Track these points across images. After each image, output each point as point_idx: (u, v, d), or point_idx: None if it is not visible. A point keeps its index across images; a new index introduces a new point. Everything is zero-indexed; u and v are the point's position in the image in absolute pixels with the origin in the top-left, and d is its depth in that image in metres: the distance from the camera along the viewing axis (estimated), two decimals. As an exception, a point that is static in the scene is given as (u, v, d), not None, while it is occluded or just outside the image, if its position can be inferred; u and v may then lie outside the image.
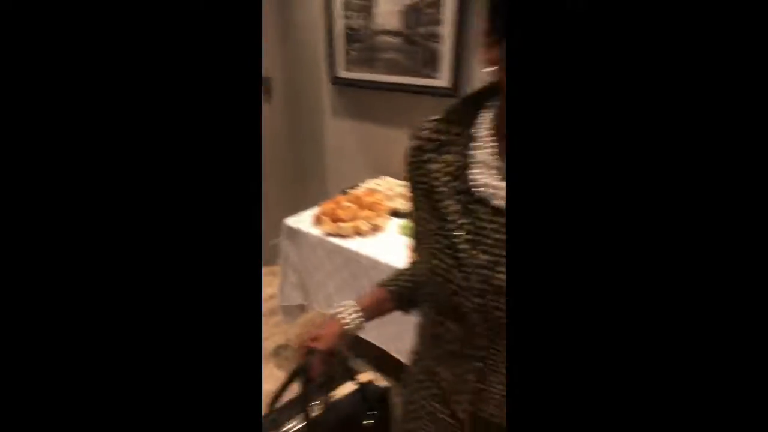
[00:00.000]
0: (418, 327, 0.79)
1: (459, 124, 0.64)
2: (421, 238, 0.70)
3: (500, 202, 0.60)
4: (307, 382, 0.82)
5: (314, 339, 0.80)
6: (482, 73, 0.59)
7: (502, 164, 0.60)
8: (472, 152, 0.62)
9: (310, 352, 0.80)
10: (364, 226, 1.56)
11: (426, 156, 0.65)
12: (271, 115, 2.54)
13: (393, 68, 2.04)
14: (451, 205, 0.62)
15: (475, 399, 0.67)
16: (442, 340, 0.68)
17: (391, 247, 1.54)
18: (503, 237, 0.59)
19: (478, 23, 1.77)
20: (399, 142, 1.81)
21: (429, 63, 1.92)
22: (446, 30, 1.82)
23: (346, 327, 0.80)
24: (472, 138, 0.63)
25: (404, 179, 0.72)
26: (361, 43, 2.15)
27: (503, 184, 0.60)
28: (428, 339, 0.73)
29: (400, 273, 0.86)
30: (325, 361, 0.81)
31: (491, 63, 0.56)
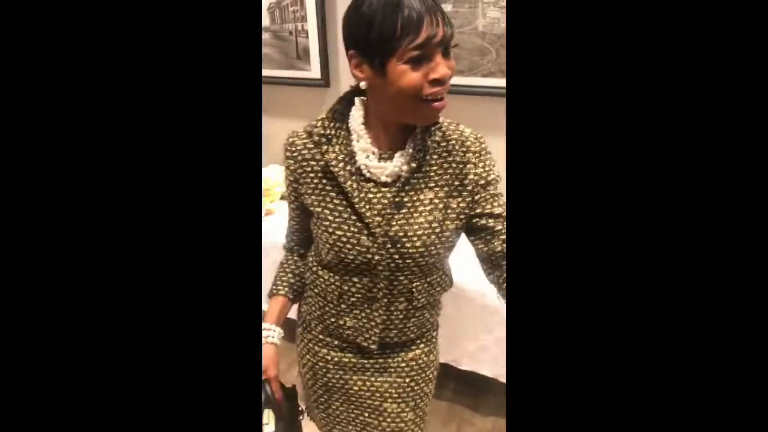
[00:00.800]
0: (307, 304, 0.94)
1: (340, 120, 0.80)
2: (316, 220, 0.82)
3: (385, 179, 0.78)
4: (278, 409, 0.91)
5: (264, 371, 0.89)
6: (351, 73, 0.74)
7: (377, 150, 0.78)
8: (354, 142, 0.78)
9: (266, 381, 0.90)
10: (256, 212, 1.70)
11: (323, 147, 0.79)
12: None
13: (267, 63, 2.15)
14: (352, 184, 0.77)
15: (383, 328, 0.86)
16: (348, 295, 0.85)
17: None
18: (388, 202, 0.77)
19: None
20: (282, 132, 1.95)
21: (300, 57, 2.07)
22: (311, 26, 1.98)
23: (277, 344, 0.92)
24: (350, 131, 0.79)
25: (291, 169, 0.84)
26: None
27: (383, 164, 0.78)
28: (328, 303, 0.88)
29: (285, 274, 0.96)
30: (280, 384, 0.93)
31: (355, 72, 0.73)
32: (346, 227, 0.79)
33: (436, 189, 0.79)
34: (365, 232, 0.78)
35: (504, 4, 1.66)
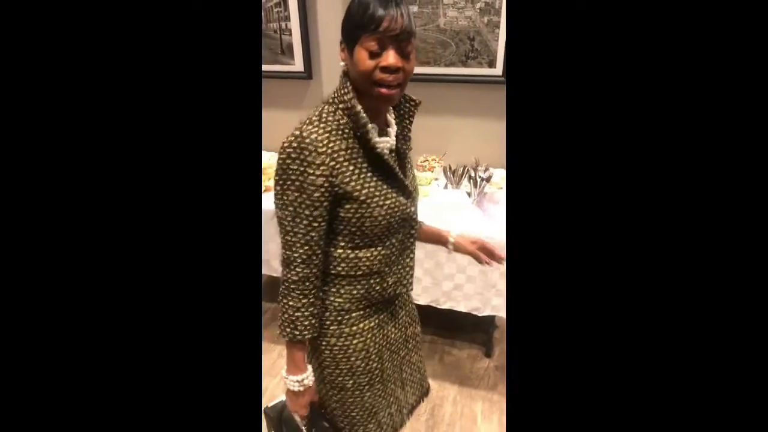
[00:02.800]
0: (341, 297, 0.96)
1: (352, 109, 0.84)
2: (360, 202, 0.86)
3: (387, 149, 0.90)
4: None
5: (303, 408, 0.97)
6: (337, 62, 0.88)
7: (376, 127, 0.89)
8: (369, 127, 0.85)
9: (300, 418, 0.98)
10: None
11: (342, 134, 0.84)
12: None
13: (253, 58, 2.39)
14: (387, 158, 0.88)
15: (397, 282, 1.00)
16: (390, 256, 0.95)
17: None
18: (396, 176, 0.90)
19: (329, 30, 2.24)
20: (271, 122, 2.20)
21: (284, 52, 2.33)
22: (293, 24, 2.25)
23: (311, 387, 0.96)
24: (350, 115, 0.85)
25: (305, 177, 0.81)
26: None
27: (384, 138, 0.90)
28: (373, 275, 0.95)
29: (305, 318, 0.90)
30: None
31: (341, 56, 0.86)
32: (393, 194, 0.90)
33: (409, 152, 1.01)
34: (402, 193, 0.93)
35: (462, 5, 2.00)
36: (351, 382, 1.01)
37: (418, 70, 2.15)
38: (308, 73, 2.34)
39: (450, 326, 2.20)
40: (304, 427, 0.99)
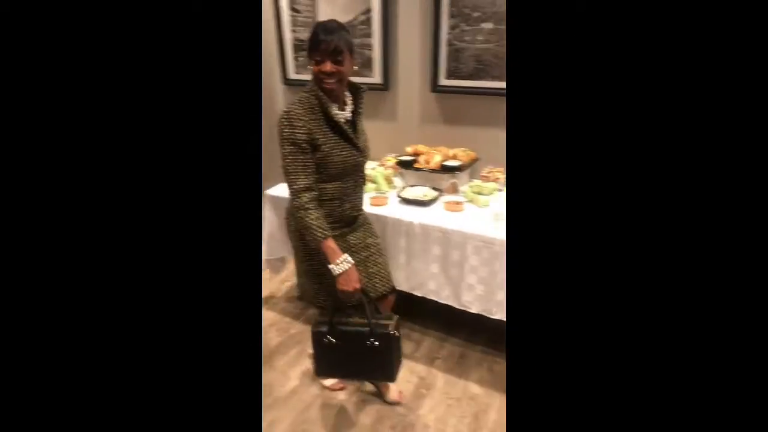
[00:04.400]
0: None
1: (312, 95, 1.43)
2: (326, 153, 1.41)
3: (344, 119, 1.46)
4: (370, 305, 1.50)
5: (356, 281, 1.44)
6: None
7: (337, 107, 1.47)
8: (328, 104, 1.42)
9: (350, 293, 1.45)
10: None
11: (313, 111, 1.41)
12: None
13: (337, 71, 2.62)
14: (342, 126, 1.44)
15: (351, 207, 1.57)
16: (346, 190, 1.52)
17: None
18: (353, 137, 1.48)
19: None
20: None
21: (365, 65, 2.52)
22: (375, 41, 2.44)
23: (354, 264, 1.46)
24: (319, 99, 1.41)
25: (305, 126, 1.38)
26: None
27: (341, 113, 1.47)
28: (334, 200, 1.51)
29: (319, 220, 1.42)
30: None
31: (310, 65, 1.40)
32: (347, 148, 1.46)
33: (362, 122, 1.55)
34: (353, 147, 1.48)
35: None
36: (319, 268, 1.50)
37: (488, 84, 2.21)
38: (385, 85, 2.51)
39: (501, 338, 2.19)
40: (360, 298, 1.44)
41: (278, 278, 2.75)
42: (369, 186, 2.14)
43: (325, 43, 1.31)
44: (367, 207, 1.94)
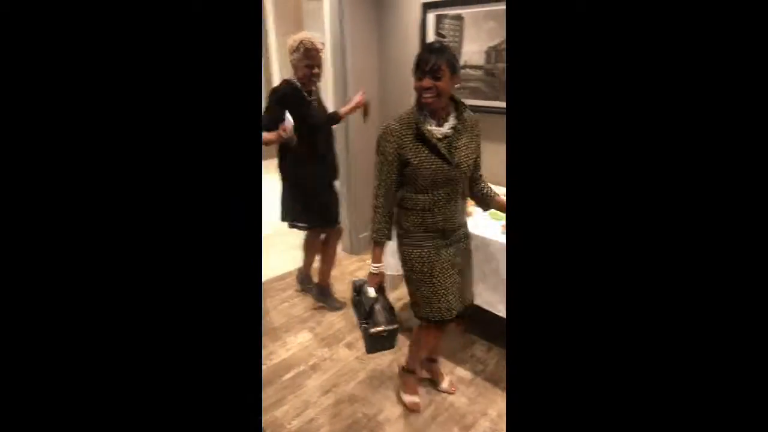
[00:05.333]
0: (407, 221, 1.64)
1: (411, 112, 1.55)
2: (415, 166, 1.53)
3: (440, 135, 1.54)
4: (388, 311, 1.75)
5: (375, 284, 1.70)
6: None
7: (435, 122, 1.56)
8: (427, 122, 1.53)
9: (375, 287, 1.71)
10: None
11: (410, 126, 1.53)
12: (367, 129, 3.16)
13: (477, 94, 2.60)
14: (433, 140, 1.52)
15: (456, 216, 1.65)
16: (438, 202, 1.59)
17: (481, 224, 2.08)
18: (447, 146, 1.54)
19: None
20: (490, 154, 2.33)
21: (504, 90, 2.46)
22: (520, 65, 2.36)
23: (383, 273, 1.71)
24: (423, 118, 1.54)
25: (396, 141, 1.53)
26: (448, 74, 2.74)
27: (438, 128, 1.54)
28: (426, 211, 1.60)
29: (382, 224, 1.62)
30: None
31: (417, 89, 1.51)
32: (438, 162, 1.53)
33: (464, 139, 1.58)
34: (445, 162, 1.54)
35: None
36: (413, 275, 1.70)
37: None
38: (526, 111, 2.41)
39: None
40: (371, 294, 1.69)
41: (394, 294, 2.80)
42: (497, 214, 2.07)
43: (426, 61, 1.43)
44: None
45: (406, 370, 2.01)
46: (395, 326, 1.71)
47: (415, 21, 2.82)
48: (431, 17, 2.74)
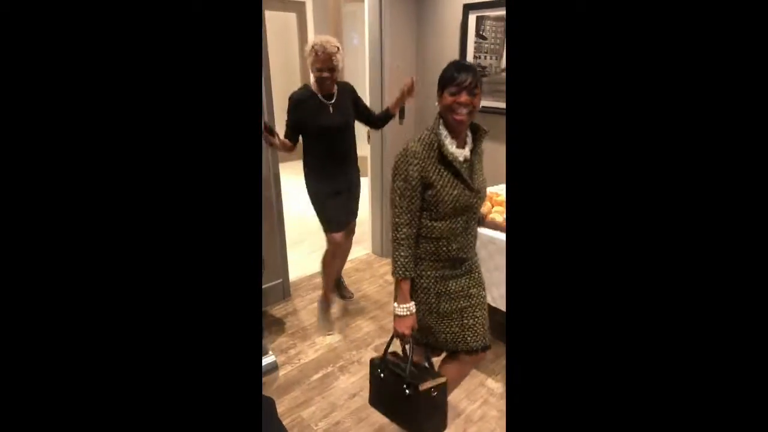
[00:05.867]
0: (421, 249, 1.47)
1: (433, 133, 1.43)
2: (437, 190, 1.39)
3: (461, 159, 1.43)
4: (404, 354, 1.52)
5: (408, 329, 1.46)
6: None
7: (456, 143, 1.44)
8: (445, 141, 1.41)
9: (402, 337, 1.47)
10: (498, 217, 2.05)
11: (432, 149, 1.41)
12: (402, 133, 3.13)
13: (517, 98, 2.53)
14: (456, 164, 1.41)
15: (459, 248, 1.47)
16: (455, 230, 1.44)
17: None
18: (467, 171, 1.43)
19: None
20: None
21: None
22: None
23: (413, 315, 1.48)
24: (438, 136, 1.42)
25: (419, 165, 1.38)
26: (488, 77, 2.68)
27: (459, 150, 1.43)
28: (441, 239, 1.44)
29: (408, 260, 1.43)
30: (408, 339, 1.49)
31: (438, 98, 1.43)
32: (460, 188, 1.42)
33: (480, 163, 1.51)
34: (467, 188, 1.43)
35: None
36: (419, 306, 1.50)
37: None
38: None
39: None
40: (406, 345, 1.45)
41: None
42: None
43: (464, 78, 1.37)
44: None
45: None
46: (443, 379, 1.47)
47: (456, 22, 2.78)
48: (472, 18, 2.69)
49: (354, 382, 2.15)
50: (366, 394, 2.07)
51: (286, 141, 2.26)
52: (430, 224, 1.45)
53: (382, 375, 1.50)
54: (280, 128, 2.28)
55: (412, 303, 1.46)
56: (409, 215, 1.41)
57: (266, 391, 1.26)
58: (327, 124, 2.24)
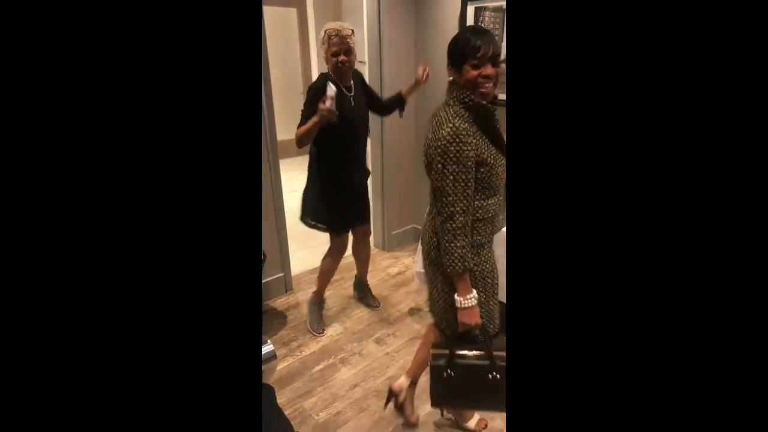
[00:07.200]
0: (476, 240, 1.38)
1: (473, 107, 1.31)
2: (489, 166, 1.30)
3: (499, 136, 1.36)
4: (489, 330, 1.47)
5: (478, 317, 1.38)
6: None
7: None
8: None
9: (470, 328, 1.40)
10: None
11: (476, 124, 1.31)
12: (401, 122, 3.13)
13: (516, 88, 2.52)
14: (499, 141, 1.35)
15: (502, 220, 1.44)
16: (500, 204, 1.40)
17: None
18: (504, 145, 1.35)
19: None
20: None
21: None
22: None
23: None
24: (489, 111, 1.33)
25: (473, 142, 1.27)
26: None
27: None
28: (494, 216, 1.39)
29: (465, 251, 1.32)
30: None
31: (448, 73, 1.35)
32: (503, 156, 1.34)
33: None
34: (504, 156, 1.35)
35: None
36: (483, 294, 1.42)
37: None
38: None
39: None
40: (479, 333, 1.42)
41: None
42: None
43: (485, 47, 1.24)
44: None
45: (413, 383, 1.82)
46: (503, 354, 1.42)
47: (454, 13, 2.76)
48: (471, 9, 2.67)
49: (355, 373, 2.17)
50: (367, 385, 2.09)
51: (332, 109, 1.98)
52: (485, 204, 1.35)
53: (452, 374, 1.44)
54: (280, 125, 2.28)
55: (475, 292, 1.36)
56: (465, 202, 1.29)
57: (264, 380, 1.26)
58: (347, 118, 2.09)
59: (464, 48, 1.26)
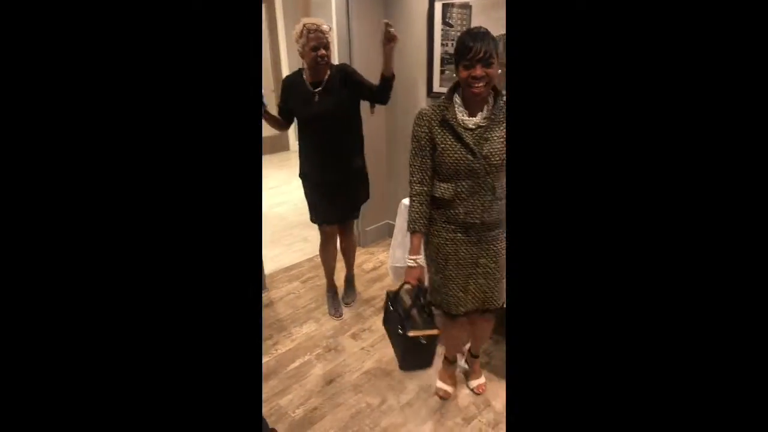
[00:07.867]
0: (433, 207, 1.60)
1: (448, 100, 1.51)
2: (441, 152, 1.50)
3: (471, 126, 1.49)
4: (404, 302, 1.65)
5: (414, 279, 1.59)
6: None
7: (466, 111, 1.50)
8: (457, 108, 1.49)
9: (408, 284, 1.61)
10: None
11: (442, 113, 1.50)
12: (374, 119, 3.14)
13: (483, 84, 2.56)
14: (460, 129, 1.48)
15: (482, 211, 1.55)
16: (460, 193, 1.53)
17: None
18: (476, 137, 1.48)
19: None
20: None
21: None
22: (528, 54, 2.32)
23: (421, 267, 1.61)
24: (453, 104, 1.50)
25: (426, 125, 1.52)
26: (452, 65, 2.71)
27: (469, 118, 1.49)
28: (447, 201, 1.55)
29: (420, 215, 1.58)
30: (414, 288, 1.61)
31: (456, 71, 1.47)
32: (461, 151, 1.48)
33: (498, 131, 1.48)
34: (469, 152, 1.48)
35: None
36: (430, 262, 1.68)
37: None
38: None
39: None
40: (408, 295, 1.62)
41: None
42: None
43: (476, 49, 1.34)
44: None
45: (446, 358, 2.01)
46: (435, 331, 1.56)
47: (422, 11, 2.79)
48: (438, 6, 2.70)
49: (331, 369, 2.18)
50: (342, 380, 2.11)
51: (279, 118, 2.25)
52: (438, 185, 1.57)
53: (391, 308, 1.66)
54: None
55: (421, 256, 1.60)
56: (420, 173, 1.56)
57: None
58: (311, 113, 2.15)
59: (458, 49, 1.39)
